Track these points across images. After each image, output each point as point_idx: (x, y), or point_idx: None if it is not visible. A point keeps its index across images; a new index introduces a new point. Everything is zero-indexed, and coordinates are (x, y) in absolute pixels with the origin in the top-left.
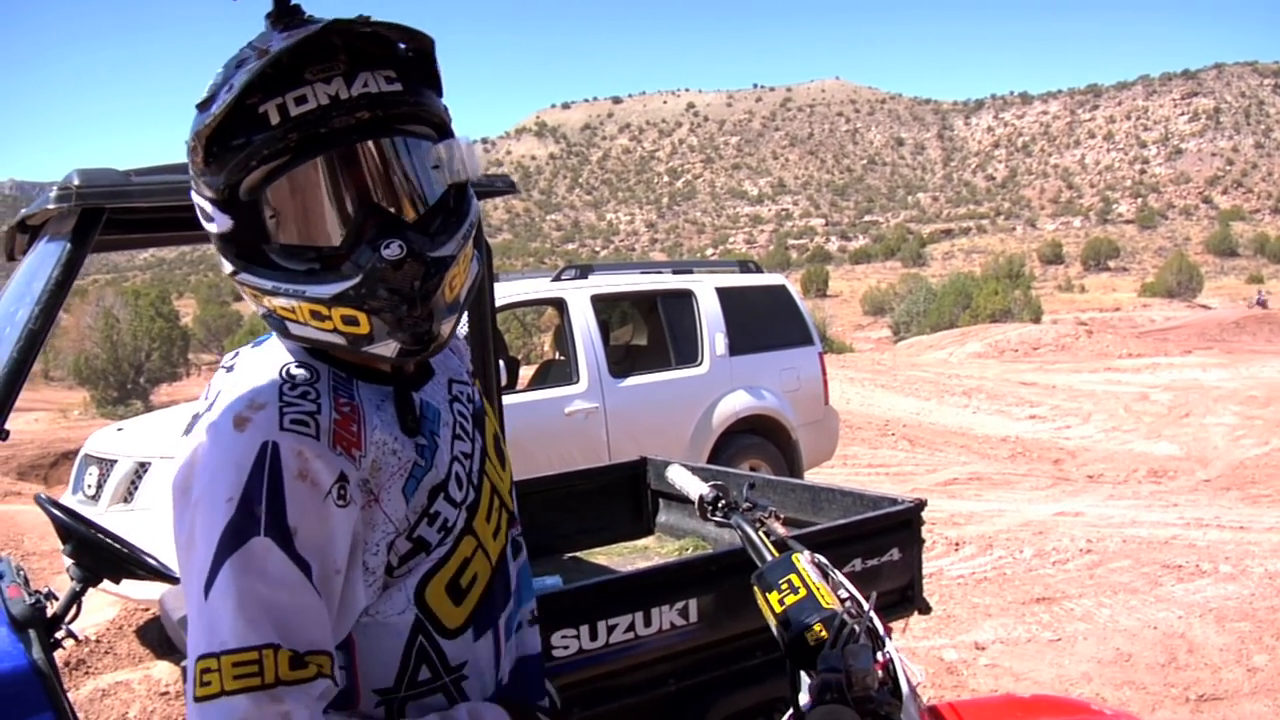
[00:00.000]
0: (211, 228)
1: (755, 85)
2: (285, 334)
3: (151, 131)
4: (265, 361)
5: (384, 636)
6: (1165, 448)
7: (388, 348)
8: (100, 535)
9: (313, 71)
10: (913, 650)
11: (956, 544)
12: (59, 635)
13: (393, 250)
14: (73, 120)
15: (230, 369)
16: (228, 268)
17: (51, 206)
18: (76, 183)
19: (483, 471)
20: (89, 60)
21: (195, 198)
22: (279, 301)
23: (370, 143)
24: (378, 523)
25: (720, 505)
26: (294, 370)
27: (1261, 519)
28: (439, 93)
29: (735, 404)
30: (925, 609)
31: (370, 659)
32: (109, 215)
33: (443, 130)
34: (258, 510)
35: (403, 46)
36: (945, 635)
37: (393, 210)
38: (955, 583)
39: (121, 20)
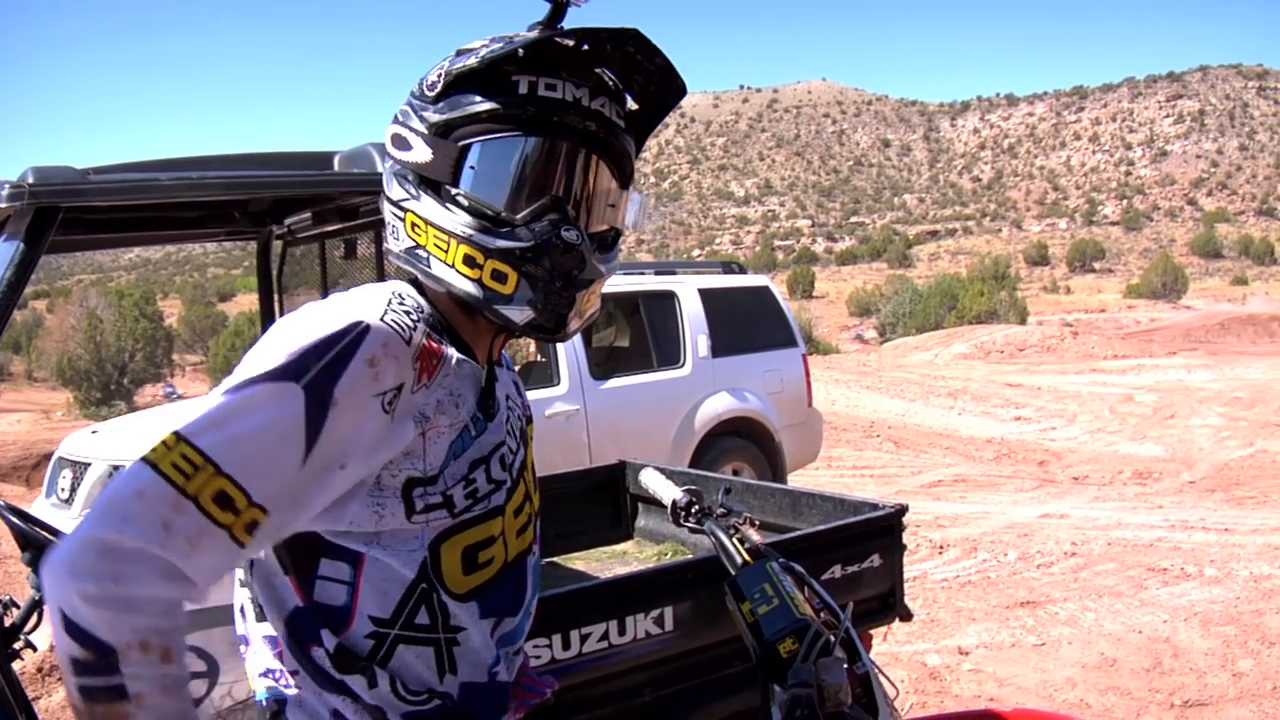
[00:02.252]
0: (403, 154)
1: (742, 86)
2: (425, 271)
3: (134, 133)
4: (384, 286)
5: (392, 567)
6: (1150, 449)
7: (521, 313)
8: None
9: (568, 72)
10: (895, 655)
11: (941, 547)
12: (17, 646)
13: (572, 235)
14: (54, 121)
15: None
16: (399, 193)
17: (4, 205)
18: (31, 180)
19: (522, 472)
20: (68, 61)
21: (396, 126)
22: (437, 237)
23: (585, 150)
24: (415, 454)
25: (694, 511)
26: (404, 294)
27: (1246, 521)
28: (639, 151)
29: (718, 406)
30: (906, 616)
31: (374, 583)
32: (65, 214)
33: (626, 181)
34: (314, 365)
35: (631, 105)
36: (929, 640)
37: (575, 212)
38: (939, 586)
39: (112, 21)
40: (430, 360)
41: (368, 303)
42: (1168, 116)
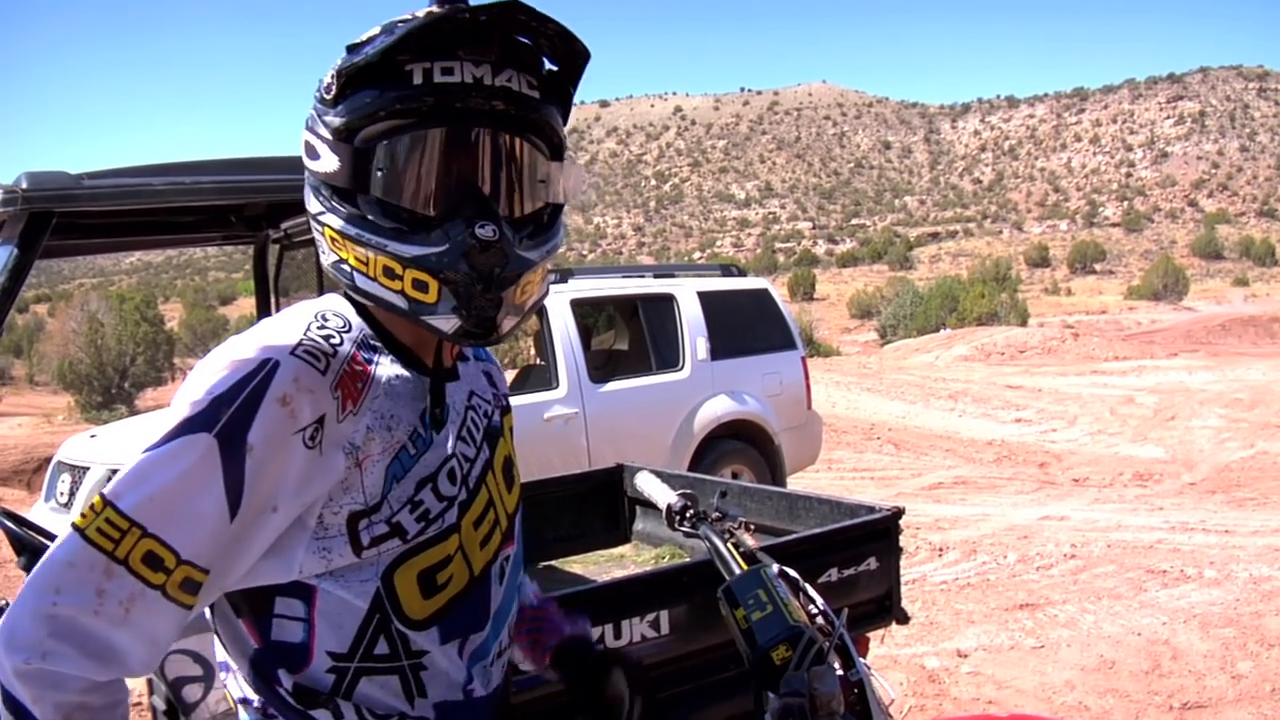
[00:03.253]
0: (313, 165)
1: (742, 89)
2: (352, 286)
3: (133, 135)
4: (301, 310)
5: (345, 600)
6: (1151, 451)
7: (448, 323)
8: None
9: (466, 51)
10: (894, 658)
11: (940, 549)
12: None
13: (486, 231)
14: (54, 122)
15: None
16: (315, 206)
17: None
18: (24, 186)
19: (482, 480)
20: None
21: (306, 134)
22: (356, 251)
23: (494, 132)
24: (353, 489)
25: (688, 515)
26: (329, 314)
27: (1246, 522)
28: (566, 116)
29: (717, 409)
30: (903, 619)
31: (328, 618)
32: (59, 219)
33: (556, 152)
34: (224, 413)
35: (548, 65)
36: (927, 643)
37: (493, 202)
38: (938, 589)
39: (107, 23)
40: (353, 386)
41: (283, 332)
42: (1168, 118)
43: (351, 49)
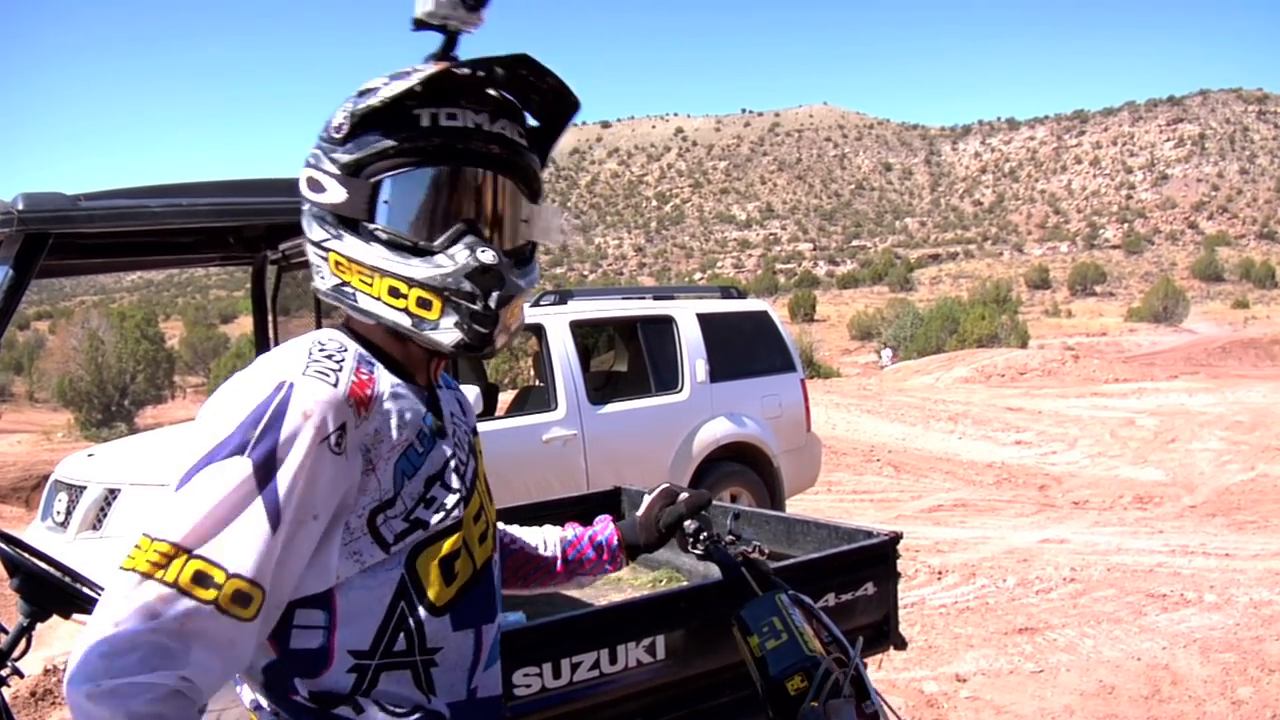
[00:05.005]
0: (318, 197)
1: (743, 110)
2: (353, 305)
3: (133, 153)
4: (299, 343)
5: (369, 592)
6: (1151, 473)
7: (449, 336)
8: (48, 569)
9: (467, 100)
10: (892, 683)
11: (939, 572)
12: (4, 672)
13: (488, 255)
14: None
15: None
16: (319, 234)
17: None
18: (20, 207)
19: (475, 483)
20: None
21: (309, 170)
22: (361, 273)
23: (491, 173)
24: (369, 489)
25: (702, 538)
26: (324, 340)
27: (1247, 546)
28: (544, 164)
29: (716, 431)
30: (901, 644)
31: (351, 616)
32: (55, 240)
33: (535, 196)
34: (251, 435)
35: (531, 121)
36: (926, 667)
37: (490, 232)
38: (937, 612)
39: (103, 41)
40: (363, 394)
41: (288, 361)
42: (1168, 140)
43: (362, 94)
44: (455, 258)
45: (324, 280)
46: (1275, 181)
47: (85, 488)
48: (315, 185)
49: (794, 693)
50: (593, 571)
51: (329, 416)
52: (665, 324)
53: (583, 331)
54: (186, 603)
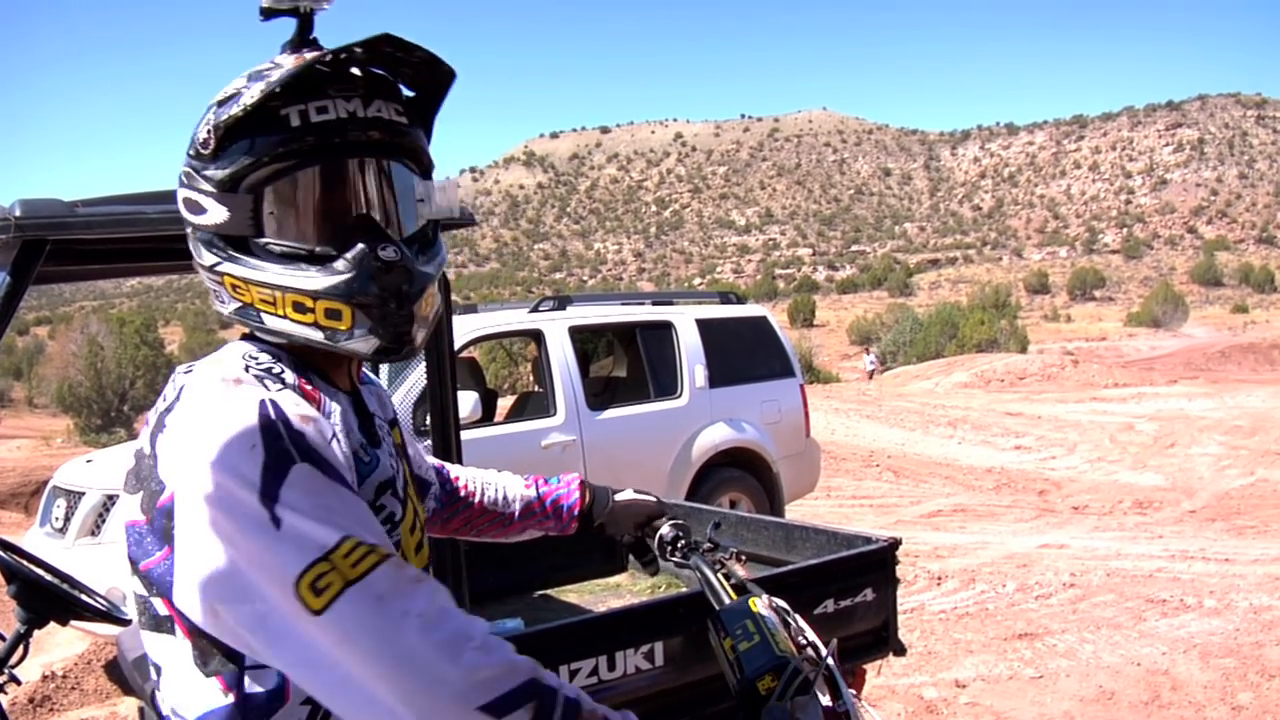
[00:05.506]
0: (200, 219)
1: (743, 115)
2: (261, 327)
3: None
4: (225, 354)
5: None
6: (1150, 478)
7: (366, 343)
8: (46, 576)
9: (334, 89)
10: (891, 688)
11: (939, 578)
12: (1, 680)
13: (389, 253)
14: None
15: (190, 369)
16: (209, 259)
17: None
18: (17, 213)
19: (406, 488)
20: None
21: (185, 191)
22: (261, 293)
23: (375, 161)
24: None
25: (680, 545)
26: (255, 354)
27: (1247, 551)
28: (429, 136)
29: (715, 437)
30: (900, 651)
31: None
32: (52, 247)
33: (427, 172)
34: (284, 444)
35: (408, 91)
36: (925, 673)
37: (386, 225)
38: (936, 618)
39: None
40: (314, 402)
41: (239, 380)
42: (1167, 145)
43: (222, 103)
44: (355, 261)
45: (225, 305)
46: (1274, 186)
47: (84, 494)
48: (194, 207)
49: (764, 692)
50: (550, 531)
51: (320, 418)
52: (664, 329)
53: (582, 337)
54: (384, 570)
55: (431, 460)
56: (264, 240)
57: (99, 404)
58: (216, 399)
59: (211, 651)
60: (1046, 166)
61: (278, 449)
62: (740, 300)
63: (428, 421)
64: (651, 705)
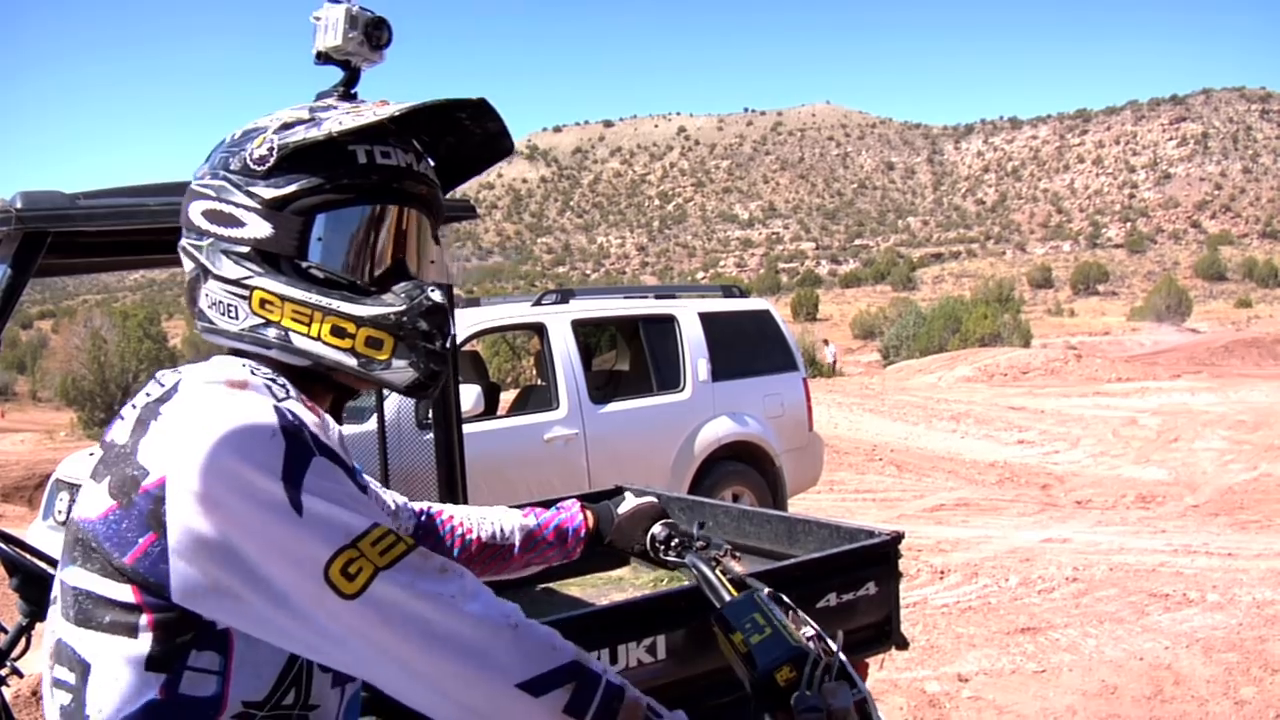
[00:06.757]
0: (233, 232)
1: (746, 109)
2: (283, 348)
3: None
4: (222, 362)
5: (270, 646)
6: (1154, 473)
7: (403, 375)
8: (48, 568)
9: (395, 138)
10: (894, 682)
11: (942, 572)
12: (3, 672)
13: (438, 295)
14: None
15: (176, 372)
16: (236, 272)
17: None
18: (19, 206)
19: None
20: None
21: (212, 203)
22: (297, 311)
23: (418, 214)
24: None
25: (672, 544)
26: (256, 367)
27: (1250, 545)
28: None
29: (718, 430)
30: (903, 644)
31: (248, 662)
32: (53, 239)
33: (436, 239)
34: (304, 438)
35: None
36: (928, 666)
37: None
38: (939, 612)
39: (102, 39)
40: (319, 417)
41: (244, 384)
42: (1171, 139)
43: (286, 126)
44: (407, 295)
45: (236, 321)
46: (1278, 180)
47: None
48: (225, 219)
49: (784, 683)
50: (552, 560)
51: (328, 425)
52: (667, 323)
53: (585, 330)
54: (413, 558)
55: (416, 505)
56: (306, 264)
57: (102, 397)
58: (224, 395)
59: (175, 647)
60: (1050, 160)
61: (299, 440)
62: (743, 294)
63: (429, 415)
64: (654, 698)
